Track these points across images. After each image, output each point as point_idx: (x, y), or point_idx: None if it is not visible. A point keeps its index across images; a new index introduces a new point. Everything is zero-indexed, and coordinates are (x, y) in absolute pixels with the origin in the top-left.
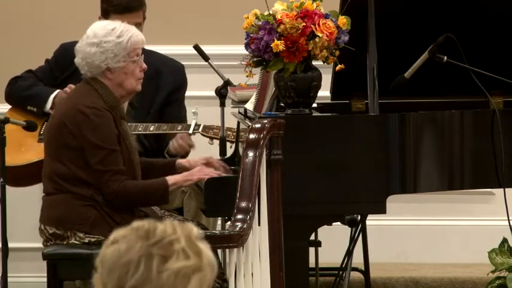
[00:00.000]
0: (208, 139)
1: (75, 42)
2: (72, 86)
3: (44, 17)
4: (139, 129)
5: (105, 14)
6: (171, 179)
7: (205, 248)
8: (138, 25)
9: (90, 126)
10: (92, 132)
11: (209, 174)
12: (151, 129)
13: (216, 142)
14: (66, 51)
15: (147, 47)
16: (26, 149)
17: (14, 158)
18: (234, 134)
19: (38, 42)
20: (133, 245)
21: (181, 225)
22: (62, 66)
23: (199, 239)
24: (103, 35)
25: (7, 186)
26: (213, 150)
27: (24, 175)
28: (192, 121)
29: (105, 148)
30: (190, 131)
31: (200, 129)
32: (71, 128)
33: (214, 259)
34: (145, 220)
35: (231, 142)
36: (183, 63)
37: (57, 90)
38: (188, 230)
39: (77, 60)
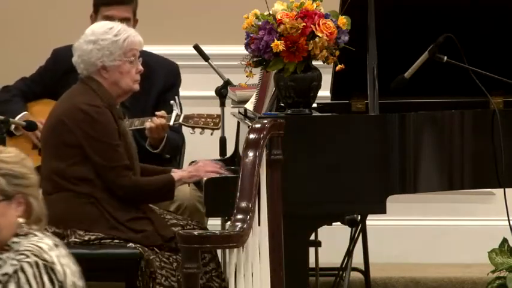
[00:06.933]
0: (190, 129)
1: (67, 47)
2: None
3: (40, 22)
4: (126, 124)
5: (96, 10)
6: (176, 175)
7: None
8: (127, 20)
9: (90, 123)
10: (93, 129)
11: (214, 172)
12: (136, 124)
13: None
14: (56, 56)
15: (147, 47)
16: None
17: None
18: (214, 120)
19: (33, 47)
20: None
21: None
22: (51, 70)
23: None
24: (101, 33)
25: None
26: (212, 149)
27: None
28: (173, 112)
29: (107, 143)
30: (171, 123)
31: (181, 120)
32: (70, 125)
33: None
34: None
35: (212, 129)
36: (183, 63)
37: (24, 113)
38: None
39: (74, 58)
